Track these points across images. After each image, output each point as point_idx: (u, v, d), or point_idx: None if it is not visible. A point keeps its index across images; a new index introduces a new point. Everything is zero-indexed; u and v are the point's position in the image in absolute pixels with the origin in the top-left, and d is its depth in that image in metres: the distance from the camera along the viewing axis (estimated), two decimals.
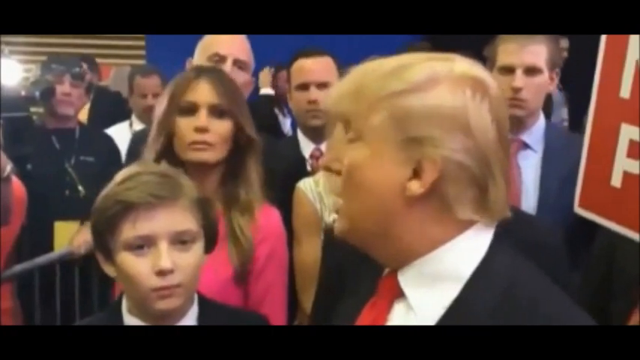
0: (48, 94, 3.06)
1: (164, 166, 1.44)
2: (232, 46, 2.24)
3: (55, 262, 3.03)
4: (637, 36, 1.30)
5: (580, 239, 2.02)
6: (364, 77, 0.98)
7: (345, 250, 1.10)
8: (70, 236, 3.04)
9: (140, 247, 1.30)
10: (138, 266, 1.30)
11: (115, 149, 3.31)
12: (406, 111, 0.93)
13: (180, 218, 1.33)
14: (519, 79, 2.07)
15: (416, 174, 0.93)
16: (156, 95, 3.78)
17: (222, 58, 2.22)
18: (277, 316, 1.72)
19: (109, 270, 1.37)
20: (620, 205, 1.34)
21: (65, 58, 3.41)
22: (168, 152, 1.67)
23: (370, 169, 0.96)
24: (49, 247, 3.04)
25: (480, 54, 2.24)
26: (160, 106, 1.71)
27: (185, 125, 1.66)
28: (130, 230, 1.30)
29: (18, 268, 2.83)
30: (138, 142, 2.52)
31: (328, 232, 1.84)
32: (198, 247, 1.36)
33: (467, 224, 0.96)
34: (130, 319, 1.37)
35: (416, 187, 0.93)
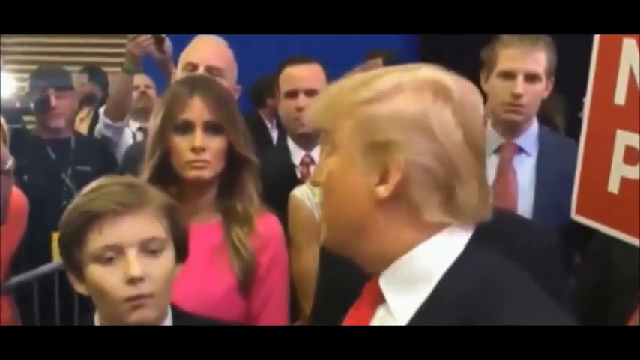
0: (43, 105, 3.06)
1: (129, 178, 1.43)
2: (204, 53, 2.24)
3: (54, 272, 3.03)
4: (630, 41, 1.31)
5: (576, 242, 2.04)
6: (337, 91, 1.02)
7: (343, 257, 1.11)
8: None
9: (109, 258, 1.28)
10: (107, 277, 1.28)
11: (111, 157, 3.31)
12: (370, 117, 0.97)
13: (147, 225, 1.32)
14: (520, 85, 2.09)
15: (382, 179, 0.96)
16: (147, 86, 4.02)
17: (194, 67, 2.23)
18: (279, 320, 1.74)
19: (80, 288, 1.35)
20: (619, 211, 1.35)
21: (50, 69, 3.39)
22: (165, 167, 1.68)
23: (342, 177, 1.00)
24: (47, 258, 3.03)
25: (475, 56, 2.25)
26: (155, 122, 1.71)
27: (181, 144, 1.67)
28: (96, 240, 1.29)
29: (17, 278, 2.83)
30: (131, 156, 2.53)
31: None
32: (168, 255, 1.34)
33: (440, 226, 0.98)
34: None
35: (381, 191, 0.96)
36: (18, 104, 2.98)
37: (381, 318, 1.02)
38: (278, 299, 1.74)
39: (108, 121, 3.28)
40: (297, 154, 2.40)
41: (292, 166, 2.38)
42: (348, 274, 1.17)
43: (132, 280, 1.27)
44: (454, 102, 0.96)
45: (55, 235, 3.03)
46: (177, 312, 1.41)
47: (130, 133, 3.93)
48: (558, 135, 2.41)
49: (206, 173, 1.67)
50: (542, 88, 2.15)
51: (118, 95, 3.25)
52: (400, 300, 0.99)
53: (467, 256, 0.98)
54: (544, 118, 2.58)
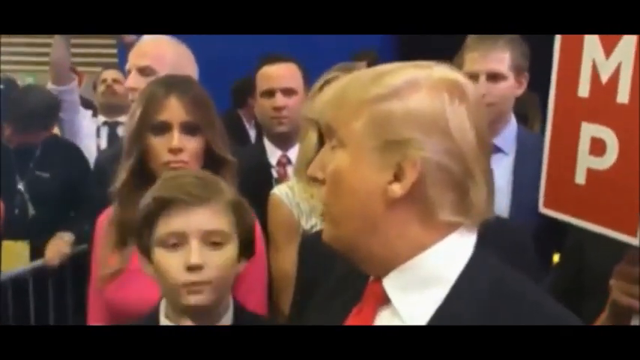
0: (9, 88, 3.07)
1: (204, 172, 1.50)
2: (133, 57, 2.21)
3: (29, 275, 3.00)
4: (592, 35, 1.34)
5: (551, 240, 2.05)
6: (347, 86, 1.01)
7: (323, 255, 1.11)
8: (24, 252, 3.03)
9: (173, 244, 1.36)
10: (170, 261, 1.36)
11: (81, 160, 3.27)
12: (386, 115, 0.95)
13: (212, 218, 1.38)
14: (482, 85, 2.12)
15: (396, 177, 0.95)
16: (115, 80, 4.03)
17: (129, 72, 2.21)
18: None
19: (148, 269, 1.42)
20: (586, 202, 1.37)
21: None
22: (142, 168, 1.68)
23: (352, 173, 0.97)
24: None
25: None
26: (131, 123, 1.70)
27: (158, 145, 1.67)
28: (164, 227, 1.37)
29: None
30: (102, 160, 2.51)
31: (304, 237, 1.86)
32: (231, 248, 1.40)
33: (451, 227, 0.97)
34: (165, 323, 1.42)
35: (397, 189, 0.94)
36: None
37: (386, 322, 1.00)
38: (256, 298, 1.73)
39: (52, 87, 3.38)
40: (273, 154, 2.40)
41: (269, 166, 2.39)
42: (327, 274, 1.17)
43: (191, 268, 1.34)
44: (469, 101, 0.97)
45: (5, 244, 2.98)
46: (239, 309, 1.47)
47: (95, 127, 3.98)
48: (536, 134, 2.43)
49: None
50: (509, 86, 2.18)
51: (52, 59, 3.34)
52: (409, 303, 0.98)
53: (477, 259, 0.98)
54: (521, 116, 2.60)
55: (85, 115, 3.88)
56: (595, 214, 1.34)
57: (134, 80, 2.12)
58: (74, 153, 3.31)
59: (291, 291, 1.72)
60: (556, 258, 2.20)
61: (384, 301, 1.00)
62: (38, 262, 3.02)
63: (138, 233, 1.42)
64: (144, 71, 2.14)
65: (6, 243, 3.01)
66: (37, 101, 3.22)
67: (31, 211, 3.10)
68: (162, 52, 2.17)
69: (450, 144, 0.94)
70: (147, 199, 1.40)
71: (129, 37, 3.05)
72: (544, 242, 1.79)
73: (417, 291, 0.97)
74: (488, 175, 1.00)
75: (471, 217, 0.97)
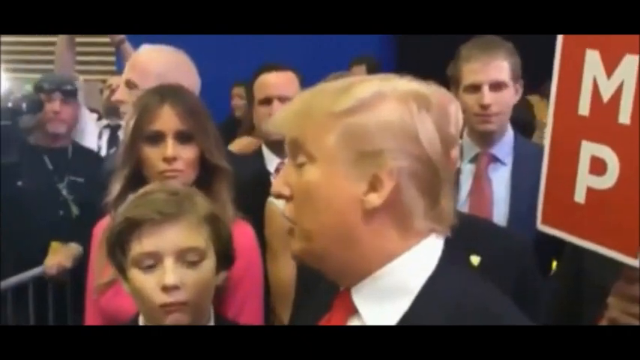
0: (35, 106, 3.08)
1: (176, 185, 1.47)
2: (126, 71, 2.20)
3: (28, 282, 3.00)
4: (594, 52, 1.32)
5: (550, 248, 2.05)
6: (311, 100, 1.01)
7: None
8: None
9: (148, 265, 1.33)
10: (145, 282, 1.33)
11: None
12: (359, 127, 0.96)
13: (186, 235, 1.35)
14: (487, 95, 2.12)
15: (372, 187, 0.96)
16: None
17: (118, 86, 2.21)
18: None
19: (125, 286, 1.40)
20: (585, 221, 1.35)
21: (57, 76, 3.41)
22: (138, 177, 1.68)
23: (325, 187, 0.98)
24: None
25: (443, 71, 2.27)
26: (126, 133, 1.71)
27: (152, 155, 1.67)
28: (136, 247, 1.34)
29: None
30: (109, 166, 2.51)
31: None
32: (207, 264, 1.38)
33: (421, 235, 0.99)
34: None
35: (374, 199, 0.96)
36: (10, 104, 3.00)
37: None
38: (252, 307, 1.73)
39: None
40: (271, 161, 2.41)
41: (267, 173, 2.39)
42: (326, 281, 1.17)
43: (166, 288, 1.31)
44: (434, 111, 0.98)
45: (55, 245, 3.03)
46: (220, 319, 1.46)
47: (98, 130, 4.03)
48: (534, 143, 2.43)
49: (178, 182, 1.65)
50: (510, 95, 2.18)
51: (57, 68, 3.45)
52: (376, 313, 0.99)
53: (442, 268, 0.99)
54: (530, 122, 2.59)
55: (91, 117, 3.97)
56: (594, 233, 1.33)
57: (120, 93, 2.15)
58: (99, 162, 3.33)
59: (291, 299, 1.71)
60: (554, 265, 2.20)
61: (353, 311, 1.01)
62: (38, 269, 3.02)
63: (111, 252, 1.39)
64: (128, 84, 2.14)
65: (55, 244, 3.05)
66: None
67: (75, 211, 3.11)
68: (146, 65, 2.14)
69: (420, 152, 0.96)
70: (118, 217, 1.37)
71: (118, 35, 3.09)
72: (542, 250, 1.79)
73: (382, 301, 0.99)
74: (452, 182, 1.03)
75: (443, 224, 1.00)
